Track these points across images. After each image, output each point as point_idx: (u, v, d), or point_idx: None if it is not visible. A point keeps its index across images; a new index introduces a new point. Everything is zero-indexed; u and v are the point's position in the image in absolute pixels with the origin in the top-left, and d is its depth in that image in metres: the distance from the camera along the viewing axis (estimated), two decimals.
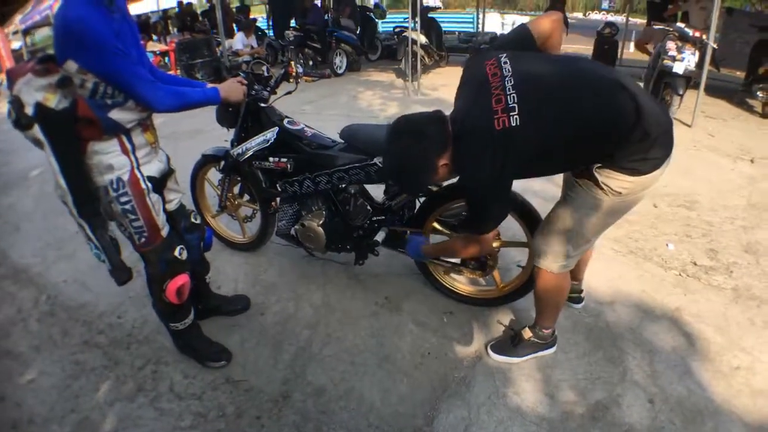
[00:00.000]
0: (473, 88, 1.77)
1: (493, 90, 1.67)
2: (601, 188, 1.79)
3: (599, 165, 1.76)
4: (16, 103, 1.70)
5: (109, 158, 1.88)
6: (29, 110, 1.69)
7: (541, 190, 3.83)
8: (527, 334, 2.31)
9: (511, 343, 2.35)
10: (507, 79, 1.67)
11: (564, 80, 1.72)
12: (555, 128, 1.67)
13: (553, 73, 1.74)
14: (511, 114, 1.62)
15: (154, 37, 14.35)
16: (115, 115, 1.82)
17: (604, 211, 1.86)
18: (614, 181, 1.75)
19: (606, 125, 1.67)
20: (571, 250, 1.99)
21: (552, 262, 2.03)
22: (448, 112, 1.84)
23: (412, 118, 1.83)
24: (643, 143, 1.67)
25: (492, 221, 1.87)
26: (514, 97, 1.64)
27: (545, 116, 1.66)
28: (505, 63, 1.72)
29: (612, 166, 1.74)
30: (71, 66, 1.68)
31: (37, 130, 1.72)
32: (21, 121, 1.71)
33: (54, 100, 1.70)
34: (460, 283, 2.77)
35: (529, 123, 1.62)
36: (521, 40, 1.91)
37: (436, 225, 2.60)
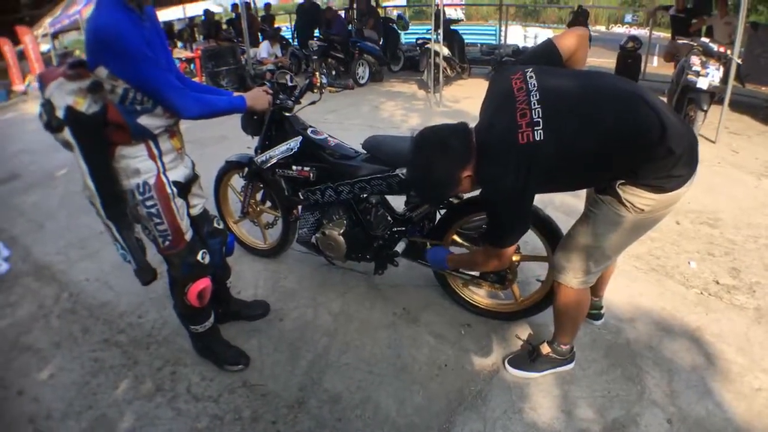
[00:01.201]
0: (498, 102, 1.78)
1: (518, 104, 1.68)
2: (624, 205, 1.77)
3: (622, 182, 1.75)
4: (48, 106, 1.75)
5: (137, 162, 1.92)
6: (60, 113, 1.74)
7: (562, 205, 3.82)
8: (545, 349, 2.30)
9: (528, 357, 2.33)
10: (532, 93, 1.68)
11: (587, 95, 1.72)
12: (578, 143, 1.67)
13: (577, 88, 1.74)
14: (536, 128, 1.62)
15: (180, 44, 14.59)
16: (144, 120, 1.86)
17: (626, 228, 1.84)
18: (637, 198, 1.74)
19: (628, 139, 1.66)
20: (592, 266, 1.98)
21: (572, 278, 2.02)
22: (470, 123, 1.84)
23: (436, 129, 1.84)
24: (667, 160, 1.66)
25: (513, 235, 1.87)
26: (539, 111, 1.64)
27: (568, 131, 1.66)
28: (531, 77, 1.72)
29: (635, 183, 1.72)
30: (102, 72, 1.72)
31: (67, 133, 1.77)
32: (52, 124, 1.76)
33: (84, 105, 1.75)
34: (479, 295, 2.76)
35: (553, 138, 1.62)
36: (547, 54, 1.91)
37: (456, 237, 2.60)
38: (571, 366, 2.33)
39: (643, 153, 1.67)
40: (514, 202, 1.75)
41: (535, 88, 1.69)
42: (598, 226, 1.89)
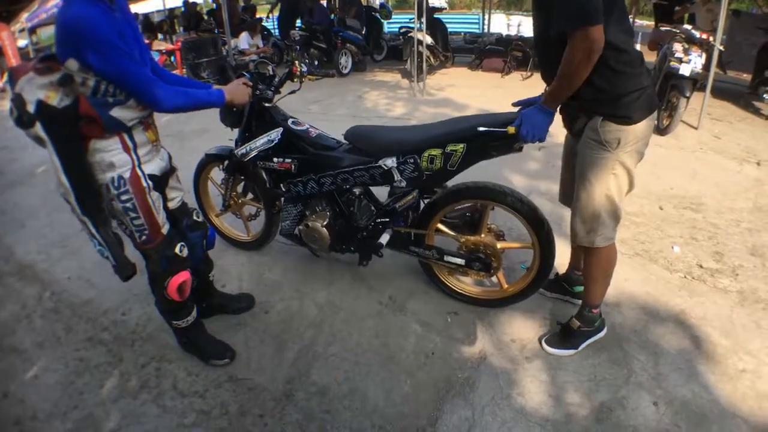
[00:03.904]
0: None
1: None
2: (603, 145, 1.96)
3: (600, 117, 1.94)
4: (18, 101, 1.71)
5: (111, 156, 1.88)
6: (31, 108, 1.70)
7: (547, 192, 3.83)
8: (575, 324, 2.34)
9: (562, 335, 2.39)
10: None
11: None
12: None
13: None
14: None
15: (160, 35, 14.38)
16: (117, 113, 1.82)
17: (612, 167, 2.00)
18: (611, 133, 1.94)
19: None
20: (606, 218, 2.09)
21: (595, 237, 2.12)
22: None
23: None
24: (637, 76, 1.89)
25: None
26: None
27: None
28: None
29: (609, 116, 1.93)
30: (73, 65, 1.68)
31: (38, 128, 1.73)
32: (23, 119, 1.72)
33: (56, 99, 1.72)
34: (464, 283, 2.76)
35: None
36: None
37: (440, 226, 2.59)
38: (603, 333, 2.39)
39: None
40: None
41: None
42: (589, 177, 2.04)
